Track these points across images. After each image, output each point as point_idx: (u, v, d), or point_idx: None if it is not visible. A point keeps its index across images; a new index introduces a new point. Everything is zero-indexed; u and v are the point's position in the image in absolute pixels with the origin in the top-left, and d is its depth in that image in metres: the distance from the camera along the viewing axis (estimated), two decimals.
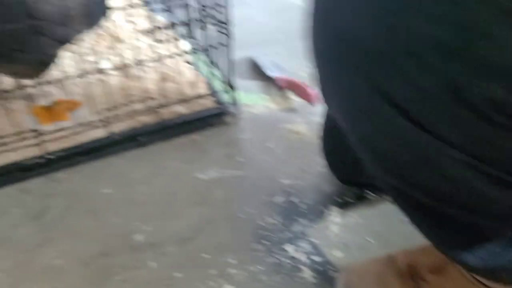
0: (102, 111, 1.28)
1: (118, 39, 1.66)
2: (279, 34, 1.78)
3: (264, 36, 1.72)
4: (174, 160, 1.16)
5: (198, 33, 1.18)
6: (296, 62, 1.57)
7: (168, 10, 1.14)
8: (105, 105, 1.31)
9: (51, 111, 1.16)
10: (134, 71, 1.39)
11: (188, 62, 1.44)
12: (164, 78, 1.44)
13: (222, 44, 1.16)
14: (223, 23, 1.11)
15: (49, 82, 1.36)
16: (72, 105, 1.24)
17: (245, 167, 1.14)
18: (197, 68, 1.48)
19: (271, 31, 1.72)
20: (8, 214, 1.02)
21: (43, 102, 1.30)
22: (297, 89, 1.37)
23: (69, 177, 1.12)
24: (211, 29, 1.20)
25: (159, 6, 1.49)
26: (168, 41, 1.66)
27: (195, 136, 1.24)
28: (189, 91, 1.35)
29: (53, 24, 1.16)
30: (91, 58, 1.58)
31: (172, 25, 1.10)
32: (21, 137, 1.07)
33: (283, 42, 1.74)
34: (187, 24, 1.08)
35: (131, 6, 1.55)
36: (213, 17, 1.09)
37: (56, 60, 1.33)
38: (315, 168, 1.12)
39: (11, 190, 1.09)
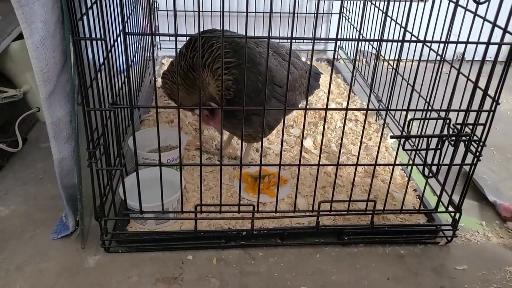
0: (308, 198, 1.24)
1: (322, 119, 1.63)
2: (496, 149, 1.62)
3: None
4: (378, 272, 1.05)
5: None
6: None
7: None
8: (309, 189, 1.27)
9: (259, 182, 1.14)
10: (337, 156, 1.33)
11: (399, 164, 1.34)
12: (367, 171, 1.36)
13: (464, 164, 1.04)
14: (477, 141, 0.99)
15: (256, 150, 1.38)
16: (280, 181, 1.21)
17: None
18: (406, 171, 1.38)
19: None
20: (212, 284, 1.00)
21: (253, 170, 1.30)
22: None
23: (265, 257, 1.08)
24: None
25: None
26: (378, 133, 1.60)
27: (402, 250, 1.12)
28: (397, 195, 1.25)
29: (283, 90, 1.17)
30: (295, 131, 1.58)
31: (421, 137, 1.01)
32: (235, 208, 1.06)
33: (501, 160, 1.56)
34: (435, 136, 0.98)
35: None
36: (467, 134, 0.98)
37: (275, 126, 1.33)
38: None
39: (209, 255, 1.08)
